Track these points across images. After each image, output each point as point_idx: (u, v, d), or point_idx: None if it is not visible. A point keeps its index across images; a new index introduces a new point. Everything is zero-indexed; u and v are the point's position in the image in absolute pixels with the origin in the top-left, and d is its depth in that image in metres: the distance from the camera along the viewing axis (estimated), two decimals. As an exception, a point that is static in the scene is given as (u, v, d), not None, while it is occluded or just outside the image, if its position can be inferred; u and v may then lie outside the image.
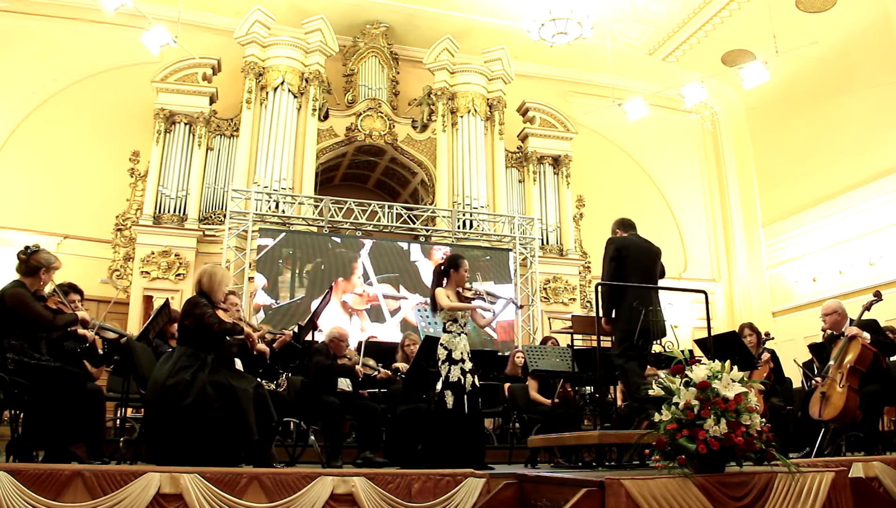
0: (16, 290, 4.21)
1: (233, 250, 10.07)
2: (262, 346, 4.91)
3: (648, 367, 5.63)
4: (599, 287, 4.73)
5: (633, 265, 4.93)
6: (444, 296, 4.95)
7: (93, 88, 11.04)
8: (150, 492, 3.32)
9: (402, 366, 6.20)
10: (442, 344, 4.92)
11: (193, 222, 10.40)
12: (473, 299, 5.00)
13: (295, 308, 9.82)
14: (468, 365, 4.91)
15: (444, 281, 5.04)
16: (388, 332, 9.91)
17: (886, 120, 10.49)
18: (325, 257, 10.21)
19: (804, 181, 12.00)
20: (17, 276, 4.33)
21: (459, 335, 4.93)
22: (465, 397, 4.80)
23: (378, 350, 6.98)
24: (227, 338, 4.33)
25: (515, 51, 12.05)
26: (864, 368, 5.23)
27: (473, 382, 4.89)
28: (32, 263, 4.32)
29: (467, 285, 5.05)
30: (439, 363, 4.88)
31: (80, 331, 4.69)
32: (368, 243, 10.49)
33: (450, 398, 4.76)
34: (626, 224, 5.27)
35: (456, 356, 4.86)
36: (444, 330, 4.95)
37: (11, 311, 4.14)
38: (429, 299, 5.18)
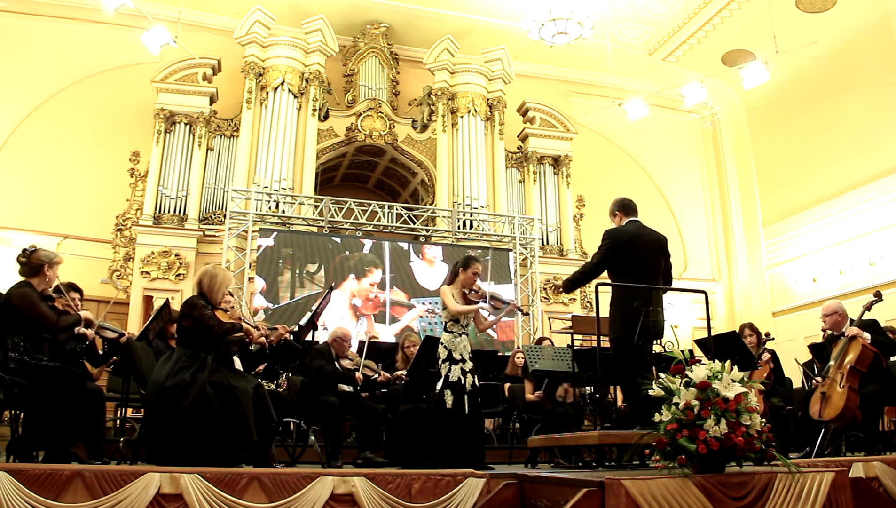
0: (23, 290, 4.23)
1: (233, 250, 10.07)
2: (258, 334, 4.84)
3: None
4: (599, 287, 4.66)
5: (632, 258, 4.65)
6: (450, 296, 4.94)
7: (93, 88, 11.04)
8: (150, 492, 3.31)
9: (403, 374, 6.18)
10: (443, 344, 4.92)
11: (193, 223, 10.40)
12: (477, 301, 4.99)
13: (293, 308, 9.81)
14: (469, 365, 4.91)
15: (454, 280, 5.05)
16: (385, 334, 9.90)
17: (886, 120, 10.48)
18: (335, 258, 10.19)
19: (804, 181, 12.00)
20: (22, 278, 4.35)
21: (460, 335, 4.93)
22: (466, 396, 4.81)
23: (378, 351, 6.98)
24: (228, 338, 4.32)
25: (515, 51, 12.05)
26: (864, 368, 5.23)
27: (473, 382, 4.89)
28: (34, 262, 4.35)
29: (477, 285, 5.03)
30: (439, 363, 4.88)
31: (79, 330, 4.68)
32: (386, 245, 10.48)
33: (449, 398, 4.76)
34: (626, 206, 4.89)
35: (456, 355, 4.87)
36: (445, 330, 4.96)
37: (17, 310, 4.15)
38: (435, 306, 5.19)
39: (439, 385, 4.80)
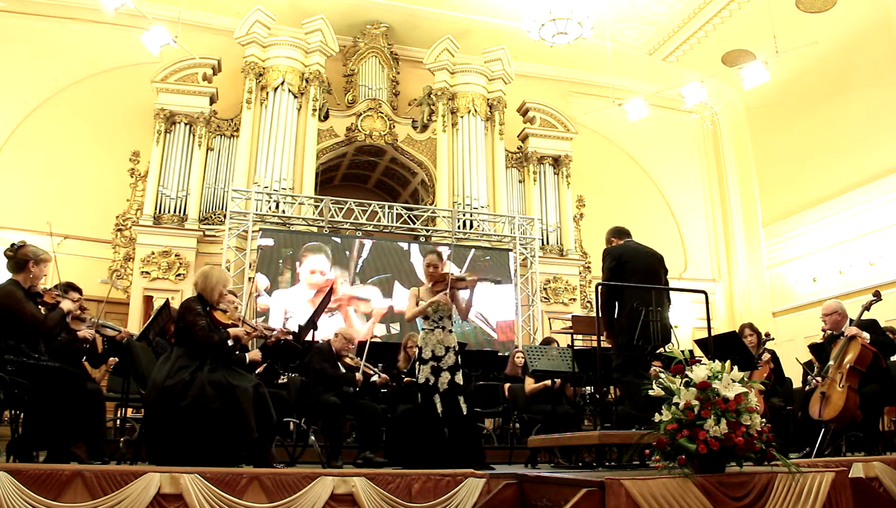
0: (9, 289, 4.16)
1: (233, 250, 10.07)
2: (254, 353, 4.84)
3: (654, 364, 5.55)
4: (599, 287, 4.69)
5: (631, 270, 4.86)
6: (413, 299, 4.90)
7: (93, 88, 11.04)
8: (151, 492, 3.31)
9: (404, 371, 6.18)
10: (418, 344, 4.85)
11: (193, 223, 10.40)
12: (441, 291, 4.85)
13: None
14: (448, 361, 4.76)
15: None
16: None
17: (886, 120, 10.48)
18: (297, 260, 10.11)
19: (804, 181, 12.00)
20: (10, 275, 4.29)
21: (433, 330, 4.82)
22: (439, 397, 4.68)
23: (380, 351, 6.98)
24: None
25: (515, 51, 12.05)
26: (863, 368, 5.23)
27: (452, 380, 4.74)
28: (19, 257, 4.27)
29: (439, 273, 4.93)
30: (415, 362, 4.82)
31: (81, 334, 4.66)
32: (368, 243, 10.46)
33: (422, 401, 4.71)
34: (619, 232, 5.20)
35: (426, 354, 4.76)
36: (421, 328, 4.91)
37: (5, 310, 4.09)
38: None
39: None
